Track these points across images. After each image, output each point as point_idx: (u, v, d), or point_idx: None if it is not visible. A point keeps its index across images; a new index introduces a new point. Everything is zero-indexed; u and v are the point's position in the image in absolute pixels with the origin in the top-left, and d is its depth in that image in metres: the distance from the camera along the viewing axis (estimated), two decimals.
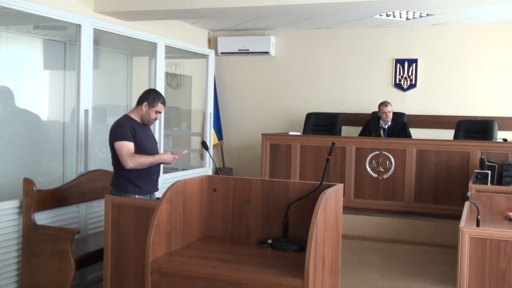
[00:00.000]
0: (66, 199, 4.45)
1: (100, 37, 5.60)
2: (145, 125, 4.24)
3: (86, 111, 4.93)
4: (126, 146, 4.01)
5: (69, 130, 5.27)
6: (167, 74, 7.47)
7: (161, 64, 6.12)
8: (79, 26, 4.92)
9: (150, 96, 4.18)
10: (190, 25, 8.25)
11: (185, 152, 4.64)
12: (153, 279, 2.71)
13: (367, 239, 6.29)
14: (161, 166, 4.40)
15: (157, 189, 4.32)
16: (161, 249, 2.80)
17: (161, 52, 6.11)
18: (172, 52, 6.66)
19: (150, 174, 4.18)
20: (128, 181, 4.09)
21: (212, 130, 7.47)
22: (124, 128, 4.06)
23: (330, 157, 3.09)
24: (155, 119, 4.24)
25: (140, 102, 4.19)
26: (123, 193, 4.07)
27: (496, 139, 6.87)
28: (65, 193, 4.44)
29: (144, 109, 4.15)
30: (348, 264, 5.19)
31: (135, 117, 4.19)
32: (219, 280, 2.60)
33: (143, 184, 4.14)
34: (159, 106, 4.18)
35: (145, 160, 4.06)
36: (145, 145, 4.15)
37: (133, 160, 3.99)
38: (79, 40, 4.93)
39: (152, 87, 5.86)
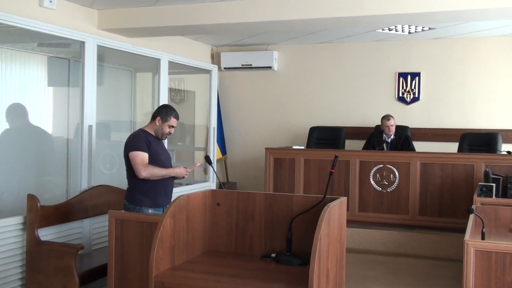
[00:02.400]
0: (70, 214, 4.45)
1: (103, 54, 5.65)
2: (160, 139, 4.32)
3: (90, 127, 4.96)
4: (141, 156, 4.08)
5: (73, 146, 5.30)
6: (171, 90, 7.51)
7: (165, 80, 6.16)
8: (83, 43, 4.97)
9: (163, 111, 4.29)
10: (193, 41, 8.30)
11: (198, 164, 4.70)
12: None
13: (372, 253, 6.25)
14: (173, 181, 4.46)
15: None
16: (164, 263, 2.80)
17: (164, 68, 6.15)
18: (176, 68, 6.71)
19: (164, 187, 4.23)
20: (142, 194, 4.13)
21: (216, 145, 7.49)
22: (139, 140, 4.14)
23: (333, 170, 3.09)
24: (169, 133, 4.33)
25: (154, 117, 4.29)
26: (137, 207, 4.11)
27: (501, 151, 6.85)
28: (69, 208, 4.44)
29: (157, 123, 4.25)
30: (352, 278, 5.16)
31: (150, 130, 4.28)
32: None
33: (157, 197, 4.18)
34: (172, 120, 4.28)
35: (159, 172, 4.12)
36: (160, 158, 4.22)
37: (146, 170, 4.05)
38: (83, 57, 4.98)
39: (156, 102, 5.90)
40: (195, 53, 8.26)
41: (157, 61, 6.12)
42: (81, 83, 5.00)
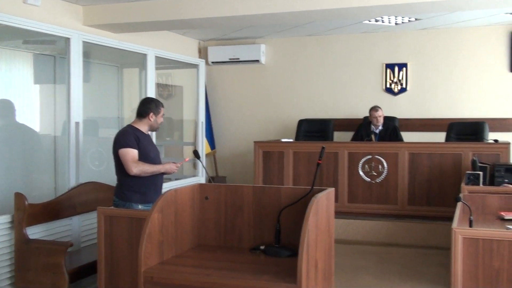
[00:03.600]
0: (58, 212, 4.44)
1: (89, 50, 5.61)
2: (152, 131, 4.42)
3: (77, 123, 4.94)
4: (131, 153, 4.08)
5: (60, 143, 5.28)
6: (158, 85, 7.48)
7: (152, 75, 6.14)
8: (68, 39, 4.94)
9: (152, 106, 4.30)
10: (180, 36, 8.27)
11: (187, 159, 4.71)
12: None
13: (362, 243, 6.28)
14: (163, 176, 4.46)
15: None
16: (153, 258, 2.80)
17: (151, 63, 6.12)
18: (163, 63, 6.69)
19: (153, 183, 4.23)
20: (132, 190, 4.13)
21: (205, 139, 7.48)
22: (128, 136, 4.15)
23: (320, 162, 3.10)
24: (161, 123, 4.40)
25: (144, 114, 4.28)
26: (127, 203, 4.12)
27: (487, 140, 6.90)
28: (57, 206, 4.43)
29: (151, 119, 4.28)
30: (343, 268, 5.18)
31: (139, 127, 4.28)
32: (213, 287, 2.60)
33: (147, 193, 4.18)
34: (162, 110, 4.36)
35: (149, 168, 4.13)
36: (149, 154, 4.23)
37: (137, 166, 4.06)
38: (69, 54, 4.95)
39: (143, 98, 5.88)
40: (182, 48, 8.23)
41: (143, 57, 6.09)
42: (67, 80, 4.97)
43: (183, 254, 3.05)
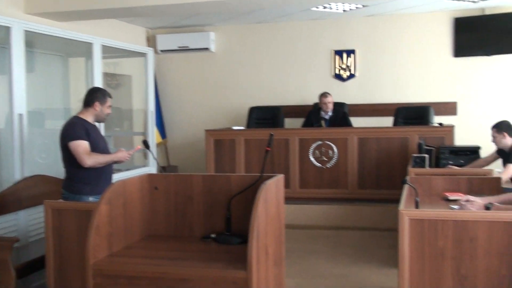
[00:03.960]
0: (3, 207, 4.31)
1: (33, 39, 5.43)
2: (99, 122, 4.31)
3: (20, 115, 4.79)
4: (83, 145, 3.99)
5: (4, 136, 5.10)
6: (106, 74, 7.32)
7: (98, 65, 6.01)
8: (8, 28, 4.76)
9: (98, 95, 4.21)
10: (127, 24, 8.11)
11: (139, 147, 4.63)
12: (95, 282, 2.66)
13: (314, 228, 6.38)
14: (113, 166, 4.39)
15: None
16: (102, 251, 2.76)
17: (97, 52, 5.99)
18: (110, 52, 6.55)
19: (103, 174, 4.16)
20: (81, 182, 4.05)
21: (155, 128, 7.39)
22: (77, 128, 4.05)
23: (269, 149, 3.12)
24: (108, 114, 4.29)
25: (89, 103, 4.19)
26: (77, 195, 4.03)
27: (433, 123, 7.10)
28: (1, 201, 4.29)
29: (97, 108, 4.18)
30: (295, 253, 5.26)
31: (86, 117, 4.18)
32: (163, 278, 2.58)
33: (97, 184, 4.09)
34: (109, 101, 4.26)
35: (103, 159, 4.06)
36: (98, 144, 4.15)
37: (91, 158, 3.99)
38: (10, 43, 4.78)
39: (90, 87, 5.75)
40: (129, 36, 8.08)
41: (89, 46, 5.95)
42: (8, 70, 4.80)
43: (133, 245, 3.02)
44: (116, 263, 2.71)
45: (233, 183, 3.16)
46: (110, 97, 4.29)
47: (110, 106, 4.27)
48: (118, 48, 6.59)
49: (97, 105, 4.17)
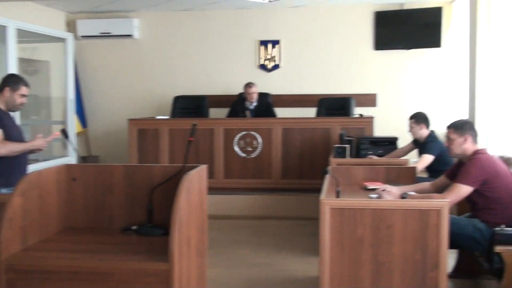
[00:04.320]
0: None
1: None
2: (11, 111, 4.07)
3: None
4: None
5: None
6: (22, 60, 6.98)
7: (13, 49, 5.73)
8: None
9: (10, 81, 4.01)
10: (45, 7, 7.76)
11: (57, 134, 4.42)
12: (7, 277, 2.53)
13: (238, 218, 6.40)
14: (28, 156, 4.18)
15: None
16: (15, 245, 2.62)
17: (11, 37, 5.70)
18: (26, 36, 6.25)
19: (17, 165, 3.97)
20: None
21: (75, 117, 7.13)
22: None
23: (192, 139, 3.08)
24: (21, 103, 4.05)
25: (0, 88, 3.96)
26: None
27: (354, 115, 7.29)
28: None
29: (7, 94, 3.97)
30: (218, 243, 5.25)
31: None
32: (80, 272, 2.49)
33: (11, 175, 3.89)
34: (23, 89, 4.02)
35: (18, 147, 3.88)
36: (12, 133, 3.95)
37: (4, 147, 3.80)
38: None
39: (3, 74, 5.46)
40: (47, 20, 7.72)
41: (3, 29, 5.65)
42: None
43: (49, 239, 2.89)
44: (30, 257, 2.59)
45: (155, 174, 3.09)
46: (27, 86, 4.06)
47: (24, 96, 4.04)
48: (35, 33, 6.30)
49: (7, 91, 3.96)
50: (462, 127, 3.77)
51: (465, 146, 3.73)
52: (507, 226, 3.30)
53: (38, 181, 2.85)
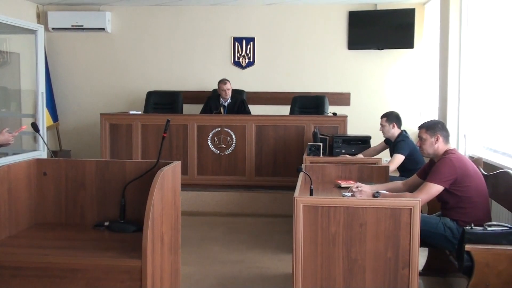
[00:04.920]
0: None
1: None
2: None
3: None
4: None
5: None
6: None
7: None
8: None
9: None
10: None
11: (24, 127, 4.33)
12: None
13: (211, 215, 6.38)
14: None
15: None
16: None
17: None
18: None
19: None
20: None
21: (46, 110, 6.99)
22: None
23: (165, 135, 3.04)
24: None
25: None
26: None
27: (327, 113, 7.33)
28: None
29: None
30: (191, 240, 5.23)
31: None
32: (51, 268, 2.45)
33: None
34: None
35: None
36: None
37: None
38: None
39: None
40: (16, 11, 7.55)
41: None
42: None
43: (19, 235, 2.83)
44: None
45: (128, 169, 3.05)
46: None
47: None
48: (4, 23, 6.13)
49: None
50: (434, 127, 3.83)
51: (436, 145, 3.80)
52: (476, 225, 3.36)
53: (7, 176, 2.79)
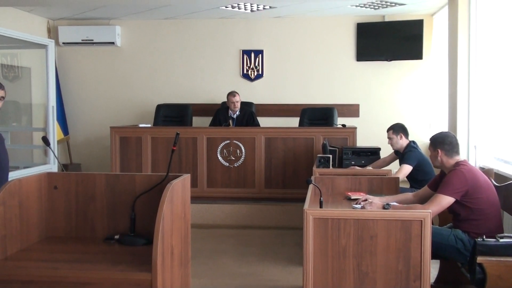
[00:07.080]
0: None
1: None
2: None
3: None
4: None
5: None
6: (2, 66, 6.89)
7: None
8: None
9: None
10: (27, 13, 7.69)
11: None
12: None
13: (221, 227, 6.37)
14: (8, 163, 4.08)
15: None
16: None
17: None
18: (7, 42, 6.17)
19: None
20: None
21: (56, 124, 7.04)
22: None
23: (175, 148, 3.06)
24: None
25: None
26: None
27: (336, 125, 7.33)
28: None
29: None
30: (201, 253, 5.22)
31: None
32: (61, 281, 2.45)
33: None
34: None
35: None
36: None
37: None
38: None
39: None
40: (28, 26, 7.66)
41: None
42: None
43: (30, 248, 2.84)
44: (10, 267, 2.54)
45: (138, 182, 3.06)
46: (3, 89, 3.96)
47: (2, 98, 3.94)
48: (16, 39, 6.21)
49: None
50: (434, 142, 3.87)
51: (440, 159, 3.80)
52: (488, 237, 3.33)
53: (19, 190, 2.81)
